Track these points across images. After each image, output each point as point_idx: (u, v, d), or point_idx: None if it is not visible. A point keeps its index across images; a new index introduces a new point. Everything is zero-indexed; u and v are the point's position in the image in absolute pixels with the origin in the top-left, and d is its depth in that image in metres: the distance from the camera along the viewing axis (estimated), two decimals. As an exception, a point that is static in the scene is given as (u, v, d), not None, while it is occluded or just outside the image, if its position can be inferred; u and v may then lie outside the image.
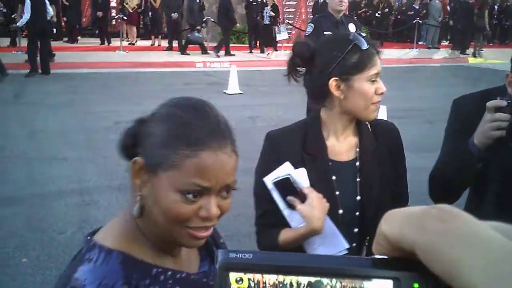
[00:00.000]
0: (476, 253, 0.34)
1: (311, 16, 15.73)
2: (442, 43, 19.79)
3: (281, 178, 1.59)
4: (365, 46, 1.53)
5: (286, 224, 1.61)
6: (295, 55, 1.62)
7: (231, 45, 15.39)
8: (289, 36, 15.46)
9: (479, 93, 1.90)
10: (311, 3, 17.32)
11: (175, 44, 15.81)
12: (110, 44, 16.43)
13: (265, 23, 15.28)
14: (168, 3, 15.47)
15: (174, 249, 1.04)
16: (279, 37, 14.99)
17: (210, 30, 16.72)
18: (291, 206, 1.57)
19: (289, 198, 1.57)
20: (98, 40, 16.79)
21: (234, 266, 0.40)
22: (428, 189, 1.91)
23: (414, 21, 17.89)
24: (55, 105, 8.69)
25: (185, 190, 0.92)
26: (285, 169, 1.59)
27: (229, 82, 10.22)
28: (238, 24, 17.64)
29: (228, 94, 10.06)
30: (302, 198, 1.55)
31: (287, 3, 18.04)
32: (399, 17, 20.13)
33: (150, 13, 16.95)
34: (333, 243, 1.62)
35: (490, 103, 1.59)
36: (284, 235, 1.60)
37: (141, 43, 17.16)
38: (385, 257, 0.40)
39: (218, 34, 17.03)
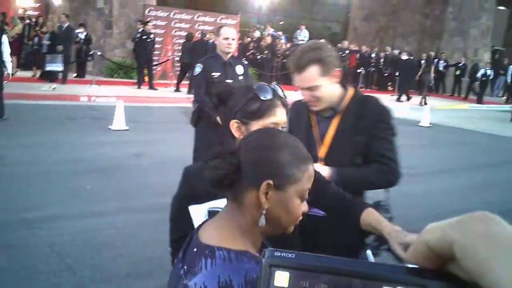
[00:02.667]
0: (508, 255, 0.37)
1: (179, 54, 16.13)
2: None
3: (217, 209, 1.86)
4: (264, 97, 1.74)
5: None
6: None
7: (118, 79, 14.99)
8: (62, 69, 14.56)
9: None
10: (178, 40, 17.59)
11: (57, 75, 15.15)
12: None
13: (43, 51, 14.87)
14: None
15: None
16: (49, 67, 14.37)
17: (96, 63, 16.26)
18: None
19: None
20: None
21: (278, 263, 0.46)
22: None
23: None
24: None
25: (303, 196, 1.18)
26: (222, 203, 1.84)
27: (115, 117, 9.91)
28: (127, 60, 17.40)
29: (113, 130, 9.74)
30: None
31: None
32: (284, 61, 21.01)
33: (34, 42, 16.14)
34: None
35: None
36: None
37: (21, 73, 16.22)
38: (417, 266, 0.44)
39: (105, 69, 16.66)
